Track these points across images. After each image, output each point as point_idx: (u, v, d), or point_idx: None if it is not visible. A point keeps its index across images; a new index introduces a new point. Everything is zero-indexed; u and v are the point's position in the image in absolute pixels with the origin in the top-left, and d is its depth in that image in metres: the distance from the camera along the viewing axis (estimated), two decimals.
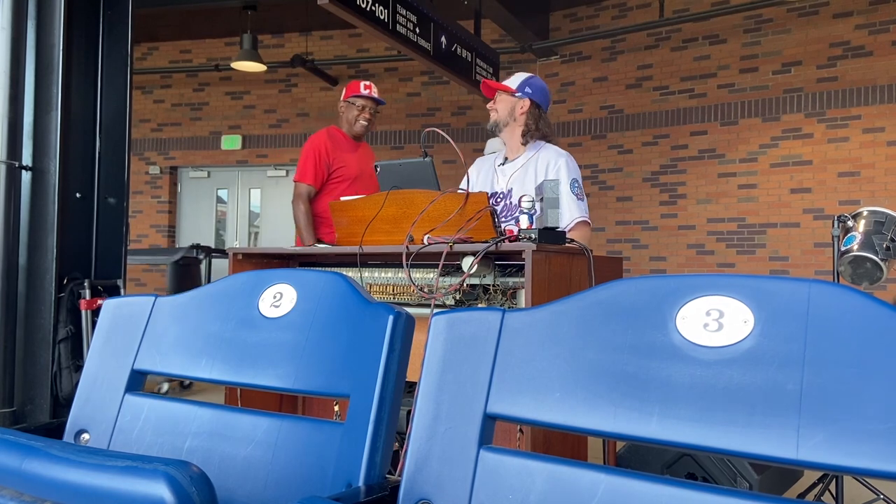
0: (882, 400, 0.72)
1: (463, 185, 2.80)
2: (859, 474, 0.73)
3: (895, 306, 0.77)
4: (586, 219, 2.65)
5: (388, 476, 0.97)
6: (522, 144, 2.81)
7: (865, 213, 2.60)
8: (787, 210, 6.90)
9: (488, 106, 2.86)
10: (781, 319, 0.79)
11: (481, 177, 2.91)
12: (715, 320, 0.83)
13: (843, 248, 2.57)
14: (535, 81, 2.84)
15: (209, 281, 5.98)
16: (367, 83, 3.83)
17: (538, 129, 2.78)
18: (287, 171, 9.36)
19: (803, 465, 0.74)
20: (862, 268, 2.54)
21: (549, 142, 2.82)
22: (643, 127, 7.65)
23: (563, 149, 2.82)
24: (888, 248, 2.51)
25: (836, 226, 2.60)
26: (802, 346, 0.77)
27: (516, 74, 2.88)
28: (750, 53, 7.14)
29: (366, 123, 3.78)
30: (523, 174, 2.74)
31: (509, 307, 2.19)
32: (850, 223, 2.59)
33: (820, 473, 2.64)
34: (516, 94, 2.79)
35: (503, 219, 2.70)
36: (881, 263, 2.49)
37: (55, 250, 2.57)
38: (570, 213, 2.62)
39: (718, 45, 7.30)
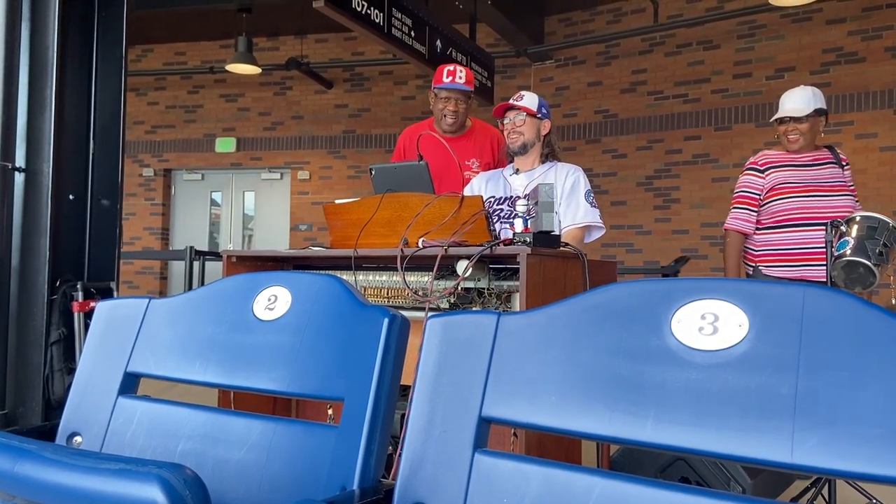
0: (875, 404, 0.72)
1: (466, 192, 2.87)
2: (853, 478, 0.73)
3: (887, 310, 0.77)
4: (599, 224, 2.84)
5: (382, 480, 0.97)
6: (542, 163, 2.92)
7: (858, 219, 2.61)
8: None
9: (510, 129, 2.88)
10: (776, 323, 0.79)
11: (489, 186, 2.94)
12: (710, 324, 0.83)
13: (836, 253, 2.58)
14: (544, 101, 2.97)
15: (203, 285, 5.96)
16: (452, 68, 3.24)
17: (556, 148, 2.95)
18: (281, 174, 9.36)
19: (797, 469, 0.75)
20: (855, 273, 2.55)
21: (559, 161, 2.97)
22: (637, 131, 7.68)
23: (561, 156, 3.02)
24: (881, 254, 2.52)
25: (829, 231, 2.61)
26: (797, 351, 0.77)
27: (524, 94, 2.92)
28: (744, 59, 7.18)
29: (452, 119, 3.21)
30: (542, 181, 2.80)
31: (504, 310, 2.19)
32: (843, 228, 2.60)
33: (813, 477, 2.65)
34: (538, 116, 2.89)
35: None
36: (874, 268, 2.50)
37: (48, 252, 2.56)
38: (584, 217, 2.80)
39: (712, 50, 7.33)
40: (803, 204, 3.01)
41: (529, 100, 2.89)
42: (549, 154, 2.92)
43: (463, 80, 3.21)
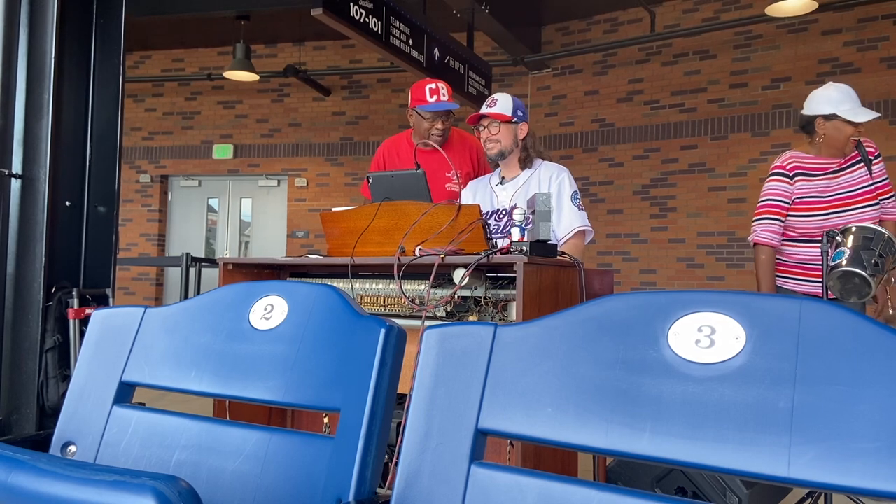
0: (872, 418, 0.72)
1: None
2: (849, 492, 0.73)
3: (883, 324, 0.77)
4: (587, 227, 2.76)
5: (378, 491, 0.96)
6: (521, 169, 2.85)
7: (854, 229, 2.62)
8: None
9: (486, 137, 2.81)
10: (773, 337, 0.79)
11: (478, 196, 2.92)
12: (707, 336, 0.83)
13: (831, 264, 2.59)
14: (520, 102, 2.87)
15: (198, 291, 5.95)
16: (434, 86, 3.20)
17: (535, 150, 2.86)
18: (278, 181, 9.36)
19: (794, 483, 0.75)
20: (850, 283, 2.55)
21: (544, 159, 2.88)
22: (634, 140, 7.70)
23: (556, 163, 2.92)
24: (876, 264, 2.53)
25: (825, 241, 2.62)
26: (793, 364, 0.77)
27: (498, 98, 2.83)
28: (740, 69, 7.21)
29: (440, 137, 3.20)
30: (526, 190, 2.77)
31: (500, 319, 2.20)
32: (838, 238, 2.61)
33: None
34: (513, 120, 2.80)
35: (505, 234, 2.71)
36: (869, 279, 2.51)
37: (44, 258, 2.55)
38: (570, 223, 2.72)
39: (709, 60, 7.37)
40: (824, 223, 2.82)
41: (503, 104, 2.79)
42: (528, 158, 2.83)
43: (447, 98, 3.19)
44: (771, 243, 2.89)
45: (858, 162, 2.89)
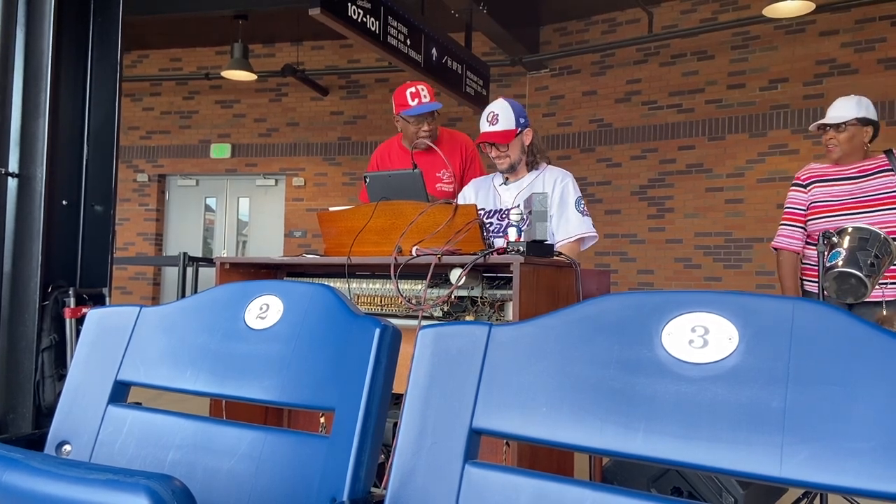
0: (864, 418, 0.72)
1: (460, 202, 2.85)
2: (842, 492, 0.74)
3: (876, 325, 0.77)
4: (593, 233, 2.80)
5: (372, 490, 0.96)
6: (528, 171, 2.88)
7: (850, 230, 2.62)
8: (773, 225, 6.89)
9: (495, 155, 2.81)
10: (766, 337, 0.80)
11: (480, 195, 2.93)
12: (700, 337, 0.83)
13: (828, 265, 2.59)
14: (519, 107, 2.84)
15: (196, 291, 5.95)
16: (414, 90, 3.19)
17: (541, 151, 2.89)
18: (276, 181, 9.35)
19: (787, 483, 0.75)
20: (846, 284, 2.56)
21: (548, 163, 2.92)
22: (632, 141, 7.70)
23: (554, 163, 2.96)
24: (872, 265, 2.53)
25: (821, 242, 2.62)
26: (786, 364, 0.77)
27: (498, 112, 2.78)
28: (737, 70, 7.22)
29: (428, 138, 3.17)
30: (529, 192, 2.77)
31: (497, 319, 2.20)
32: (835, 239, 2.61)
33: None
34: (518, 131, 2.79)
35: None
36: (865, 280, 2.51)
37: (40, 258, 2.55)
38: (577, 228, 2.75)
39: (706, 60, 7.37)
40: (840, 224, 2.81)
41: (505, 119, 2.75)
42: (535, 161, 2.86)
43: (429, 99, 3.18)
44: (787, 247, 3.11)
45: (884, 171, 2.96)
